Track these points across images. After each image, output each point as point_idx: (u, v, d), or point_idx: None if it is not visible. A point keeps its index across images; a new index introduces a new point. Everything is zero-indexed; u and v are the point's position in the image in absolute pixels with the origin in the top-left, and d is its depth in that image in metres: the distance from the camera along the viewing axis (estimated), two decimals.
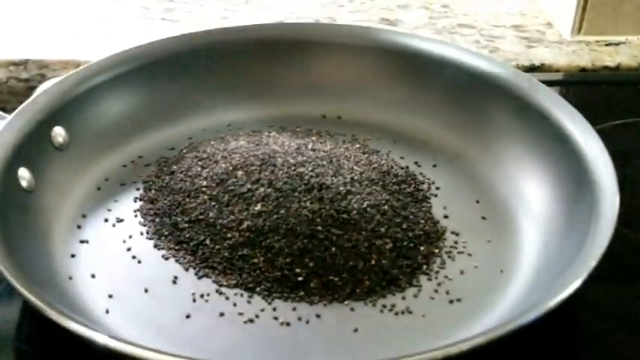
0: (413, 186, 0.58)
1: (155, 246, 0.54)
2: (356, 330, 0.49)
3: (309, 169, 0.56)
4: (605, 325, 0.51)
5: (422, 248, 0.53)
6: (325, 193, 0.54)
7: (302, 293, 0.50)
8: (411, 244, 0.53)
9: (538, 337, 0.46)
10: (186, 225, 0.54)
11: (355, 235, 0.52)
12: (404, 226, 0.54)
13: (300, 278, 0.50)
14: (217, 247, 0.52)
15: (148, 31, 0.78)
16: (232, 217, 0.53)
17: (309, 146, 0.59)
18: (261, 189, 0.54)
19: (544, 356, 0.48)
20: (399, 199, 0.56)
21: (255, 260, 0.51)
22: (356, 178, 0.56)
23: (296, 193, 0.54)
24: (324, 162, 0.57)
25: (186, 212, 0.54)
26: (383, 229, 0.53)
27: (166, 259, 0.53)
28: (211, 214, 0.54)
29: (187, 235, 0.53)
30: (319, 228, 0.52)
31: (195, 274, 0.52)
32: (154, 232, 0.54)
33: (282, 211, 0.53)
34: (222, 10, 0.82)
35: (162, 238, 0.54)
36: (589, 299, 0.50)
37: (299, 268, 0.51)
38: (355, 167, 0.58)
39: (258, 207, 0.53)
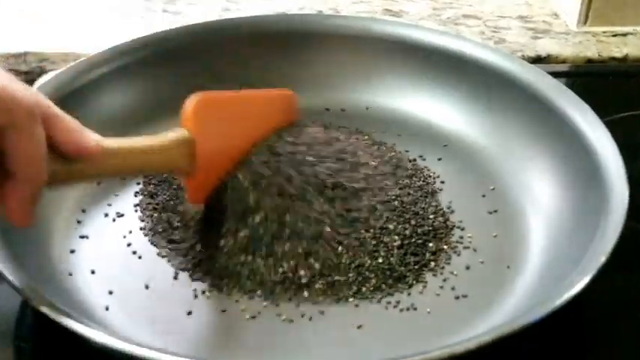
0: (422, 179, 0.57)
1: (151, 242, 0.53)
2: (360, 327, 0.48)
3: (324, 167, 0.53)
4: (615, 319, 0.50)
5: (431, 244, 0.52)
6: (338, 193, 0.52)
7: (306, 294, 0.49)
8: (420, 241, 0.52)
9: (545, 330, 0.45)
10: (179, 224, 0.53)
11: (363, 234, 0.51)
12: (413, 222, 0.53)
13: (304, 280, 0.49)
14: (210, 252, 0.51)
15: (148, 23, 0.77)
16: (227, 225, 0.51)
17: (321, 138, 0.56)
18: (267, 199, 0.51)
19: (552, 351, 0.47)
20: (409, 194, 0.55)
21: (255, 266, 0.50)
22: (370, 173, 0.55)
23: (307, 197, 0.52)
24: (340, 156, 0.55)
25: (180, 213, 0.53)
26: (392, 226, 0.52)
27: (163, 256, 0.52)
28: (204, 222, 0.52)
29: (179, 236, 0.52)
30: (327, 229, 0.51)
31: (190, 276, 0.51)
32: (149, 228, 0.54)
33: (287, 217, 0.51)
34: (224, 2, 0.81)
35: (157, 235, 0.53)
36: (598, 293, 0.49)
37: (303, 269, 0.50)
38: (371, 162, 0.56)
39: (258, 218, 0.51)
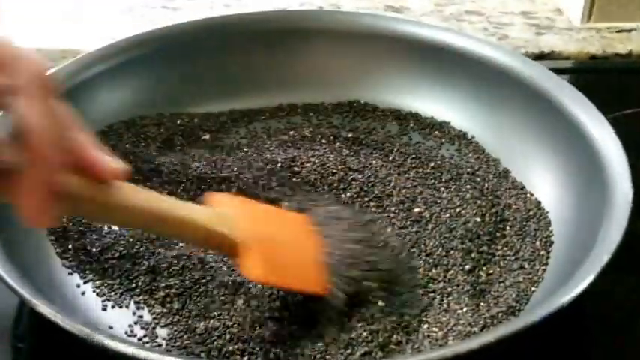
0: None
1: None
2: None
3: None
4: (618, 318, 0.50)
5: None
6: None
7: None
8: None
9: (549, 330, 0.45)
10: None
11: None
12: None
13: None
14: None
15: (148, 19, 0.77)
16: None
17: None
18: None
19: (554, 351, 0.47)
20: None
21: None
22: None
23: None
24: None
25: None
26: None
27: None
28: None
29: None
30: None
31: None
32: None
33: None
34: None
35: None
36: (601, 291, 0.48)
37: None
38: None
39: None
